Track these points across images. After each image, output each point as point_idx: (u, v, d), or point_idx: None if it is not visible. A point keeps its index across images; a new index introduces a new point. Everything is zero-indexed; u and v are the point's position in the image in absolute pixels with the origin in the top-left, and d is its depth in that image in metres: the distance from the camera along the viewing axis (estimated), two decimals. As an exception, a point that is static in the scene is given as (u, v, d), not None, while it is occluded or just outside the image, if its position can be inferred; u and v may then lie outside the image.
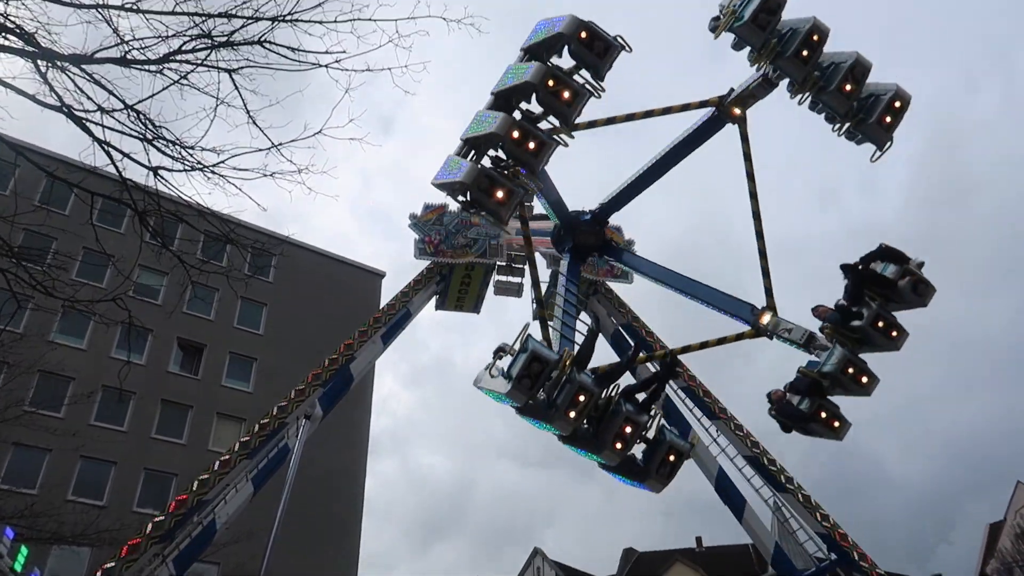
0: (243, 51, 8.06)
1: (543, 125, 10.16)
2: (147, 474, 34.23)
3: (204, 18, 7.93)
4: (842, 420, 11.54)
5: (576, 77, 10.06)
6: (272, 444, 15.82)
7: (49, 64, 7.31)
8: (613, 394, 10.09)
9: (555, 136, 10.03)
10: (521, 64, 10.41)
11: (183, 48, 7.88)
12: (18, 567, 9.39)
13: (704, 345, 13.06)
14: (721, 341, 12.93)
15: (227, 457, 15.44)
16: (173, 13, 7.91)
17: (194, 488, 14.86)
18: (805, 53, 10.72)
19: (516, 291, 19.99)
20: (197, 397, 37.56)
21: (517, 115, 10.11)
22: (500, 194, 9.84)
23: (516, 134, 9.82)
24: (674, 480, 10.25)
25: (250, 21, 8.01)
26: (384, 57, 8.55)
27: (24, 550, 9.57)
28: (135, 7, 7.74)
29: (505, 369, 9.67)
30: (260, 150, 7.87)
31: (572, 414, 9.56)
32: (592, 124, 12.02)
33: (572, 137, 10.34)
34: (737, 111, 12.56)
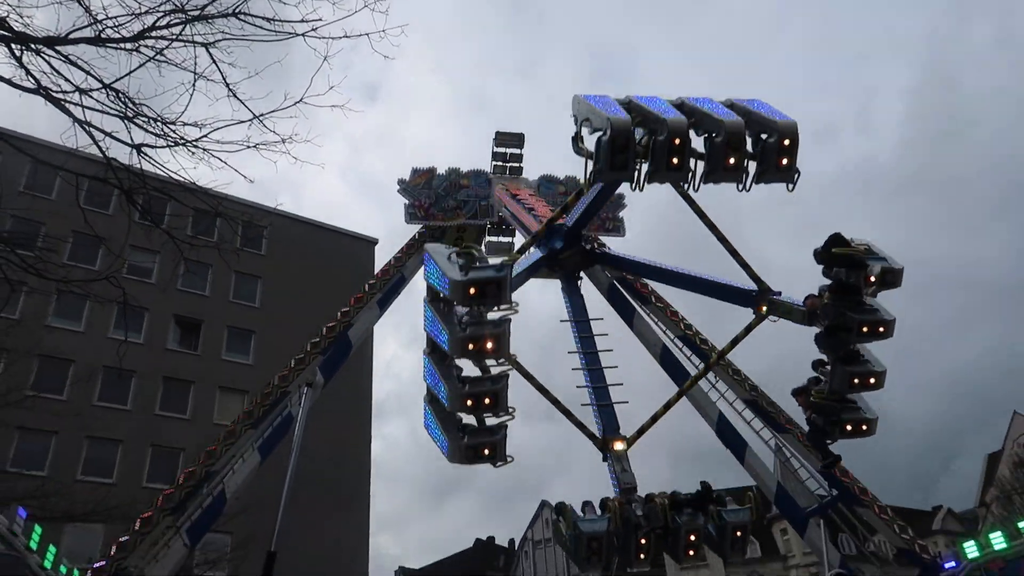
0: (218, 24, 7.95)
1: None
2: (154, 450, 34.63)
3: (176, -9, 7.81)
4: (869, 421, 11.98)
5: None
6: (276, 413, 16.00)
7: (23, 48, 7.22)
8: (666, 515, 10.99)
9: (503, 373, 10.03)
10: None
11: (157, 24, 7.77)
12: (33, 545, 9.58)
13: (735, 342, 13.16)
14: (735, 342, 13.07)
15: (232, 428, 15.62)
16: (144, -12, 7.78)
17: (201, 460, 15.07)
18: (675, 161, 9.93)
19: (508, 250, 19.98)
20: (198, 372, 37.80)
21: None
22: (487, 451, 10.17)
23: (470, 402, 9.90)
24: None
25: (223, -8, 7.90)
26: (362, 23, 8.46)
27: (38, 529, 9.75)
28: (106, -16, 7.62)
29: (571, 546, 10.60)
30: (243, 122, 7.84)
31: (643, 556, 10.77)
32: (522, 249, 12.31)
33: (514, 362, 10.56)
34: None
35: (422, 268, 19.02)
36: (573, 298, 15.14)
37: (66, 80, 7.42)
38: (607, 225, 19.34)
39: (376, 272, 19.13)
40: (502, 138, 19.24)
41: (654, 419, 12.87)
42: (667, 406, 13.18)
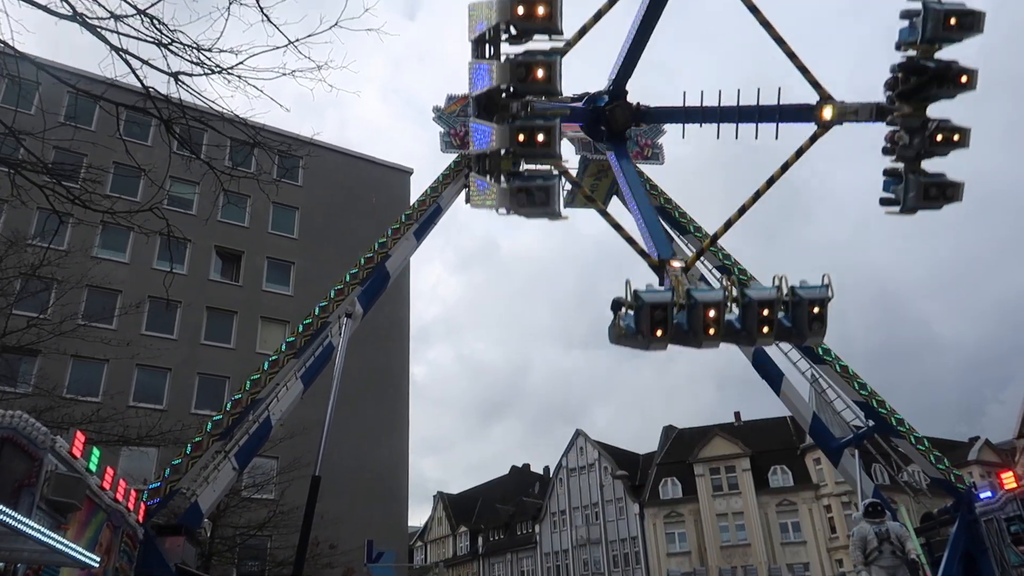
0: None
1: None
2: (201, 378, 35.77)
3: (206, -89, 7.62)
4: (969, 71, 10.83)
5: None
6: (317, 343, 16.28)
7: (57, -28, 7.15)
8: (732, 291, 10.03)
9: (551, 52, 9.41)
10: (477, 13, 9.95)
11: (188, -55, 7.63)
12: (93, 467, 10.00)
13: (756, 196, 11.61)
14: (784, 168, 11.63)
15: (275, 357, 15.97)
16: (174, -92, 7.60)
17: (247, 388, 15.47)
18: None
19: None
20: (240, 303, 38.65)
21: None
22: (541, 137, 9.50)
23: (521, 136, 9.53)
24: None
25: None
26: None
27: (96, 451, 10.16)
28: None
29: (632, 326, 9.63)
30: (278, 47, 7.71)
31: (712, 331, 9.59)
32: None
33: (562, 35, 9.73)
34: None
35: (459, 198, 19.14)
36: (627, 169, 14.20)
37: (100, 6, 7.36)
38: (645, 152, 18.92)
39: (412, 202, 19.09)
40: None
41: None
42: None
